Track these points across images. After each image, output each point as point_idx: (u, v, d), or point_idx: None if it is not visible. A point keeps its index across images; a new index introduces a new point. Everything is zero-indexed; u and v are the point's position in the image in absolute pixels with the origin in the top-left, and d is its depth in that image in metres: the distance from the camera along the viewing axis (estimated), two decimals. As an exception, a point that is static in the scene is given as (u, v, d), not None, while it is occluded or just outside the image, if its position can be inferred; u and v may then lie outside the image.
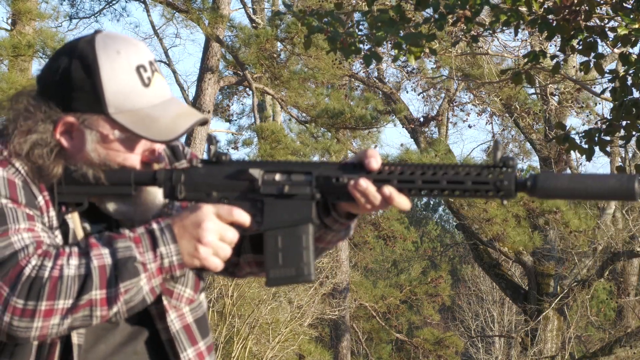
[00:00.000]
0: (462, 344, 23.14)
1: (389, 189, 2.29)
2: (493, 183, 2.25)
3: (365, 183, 2.29)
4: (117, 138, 2.34)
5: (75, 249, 2.25)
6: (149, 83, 2.35)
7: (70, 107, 2.33)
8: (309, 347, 17.54)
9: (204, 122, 2.39)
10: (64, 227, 2.36)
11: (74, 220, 2.38)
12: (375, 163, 2.30)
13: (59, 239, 2.34)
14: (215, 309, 14.57)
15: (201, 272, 2.44)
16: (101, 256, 2.23)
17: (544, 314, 19.14)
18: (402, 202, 2.30)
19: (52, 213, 2.35)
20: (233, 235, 2.30)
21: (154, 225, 2.27)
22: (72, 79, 2.33)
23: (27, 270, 2.20)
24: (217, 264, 2.29)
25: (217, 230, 2.27)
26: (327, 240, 2.47)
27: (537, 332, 19.25)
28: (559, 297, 19.16)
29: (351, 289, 21.70)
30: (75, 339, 2.33)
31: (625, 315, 22.09)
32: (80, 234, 2.37)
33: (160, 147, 2.43)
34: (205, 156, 2.38)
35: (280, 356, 15.61)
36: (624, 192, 2.22)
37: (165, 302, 2.41)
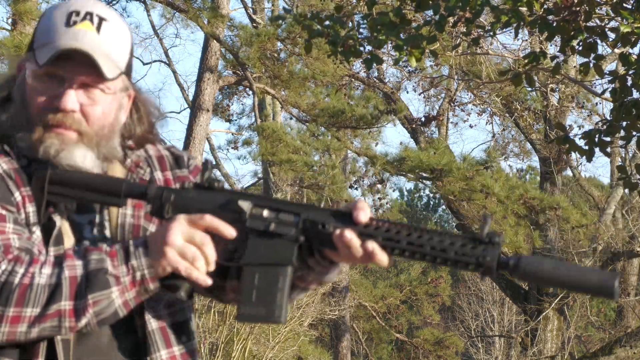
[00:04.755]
0: (462, 344, 23.14)
1: (372, 245, 2.27)
2: (475, 257, 2.23)
3: (350, 235, 2.27)
4: (32, 72, 2.36)
5: (50, 258, 2.24)
6: (72, 25, 2.35)
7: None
8: (309, 348, 17.54)
9: (97, 68, 2.33)
10: (49, 223, 2.34)
11: (62, 218, 2.36)
12: (363, 216, 2.27)
13: (36, 235, 2.33)
14: (215, 309, 14.58)
15: (182, 282, 2.37)
16: (74, 267, 2.22)
17: (544, 314, 19.14)
18: (383, 259, 2.28)
19: (31, 209, 2.33)
20: (201, 237, 2.26)
21: (131, 242, 2.26)
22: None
23: None
24: (186, 266, 2.24)
25: (183, 232, 2.25)
26: (309, 281, 2.45)
27: (537, 332, 19.25)
28: (559, 297, 19.17)
29: (351, 289, 21.70)
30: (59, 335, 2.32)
31: (625, 315, 22.10)
32: (68, 234, 2.36)
33: (153, 151, 2.45)
34: (203, 158, 2.37)
35: (280, 356, 15.61)
36: (604, 290, 2.22)
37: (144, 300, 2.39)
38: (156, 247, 2.24)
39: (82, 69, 2.34)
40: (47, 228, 2.34)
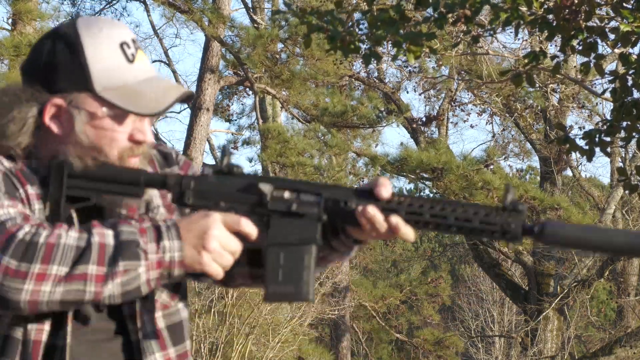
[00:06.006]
0: (462, 344, 23.14)
1: (395, 219, 2.29)
2: (500, 225, 2.27)
3: (372, 210, 2.29)
4: (105, 116, 2.32)
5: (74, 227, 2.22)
6: (133, 59, 2.35)
7: (56, 89, 2.32)
8: (309, 348, 17.54)
9: (190, 96, 2.40)
10: (68, 221, 2.31)
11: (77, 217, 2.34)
12: (385, 192, 2.30)
13: None
14: (215, 309, 14.58)
15: (188, 277, 2.40)
16: (103, 235, 2.19)
17: (544, 314, 19.15)
18: (408, 232, 2.31)
19: (38, 206, 2.31)
20: (236, 245, 2.27)
21: (161, 222, 2.25)
22: (57, 59, 2.32)
23: (20, 234, 2.15)
24: (218, 271, 2.26)
25: (221, 238, 2.25)
26: (329, 260, 2.47)
27: (537, 332, 19.26)
28: (559, 297, 19.17)
29: (351, 289, 21.70)
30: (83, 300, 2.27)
31: (625, 315, 22.10)
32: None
33: (150, 144, 2.42)
34: (211, 162, 2.38)
35: (280, 356, 15.61)
36: (634, 249, 2.26)
37: (137, 302, 2.37)
38: (192, 248, 2.24)
39: None
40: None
